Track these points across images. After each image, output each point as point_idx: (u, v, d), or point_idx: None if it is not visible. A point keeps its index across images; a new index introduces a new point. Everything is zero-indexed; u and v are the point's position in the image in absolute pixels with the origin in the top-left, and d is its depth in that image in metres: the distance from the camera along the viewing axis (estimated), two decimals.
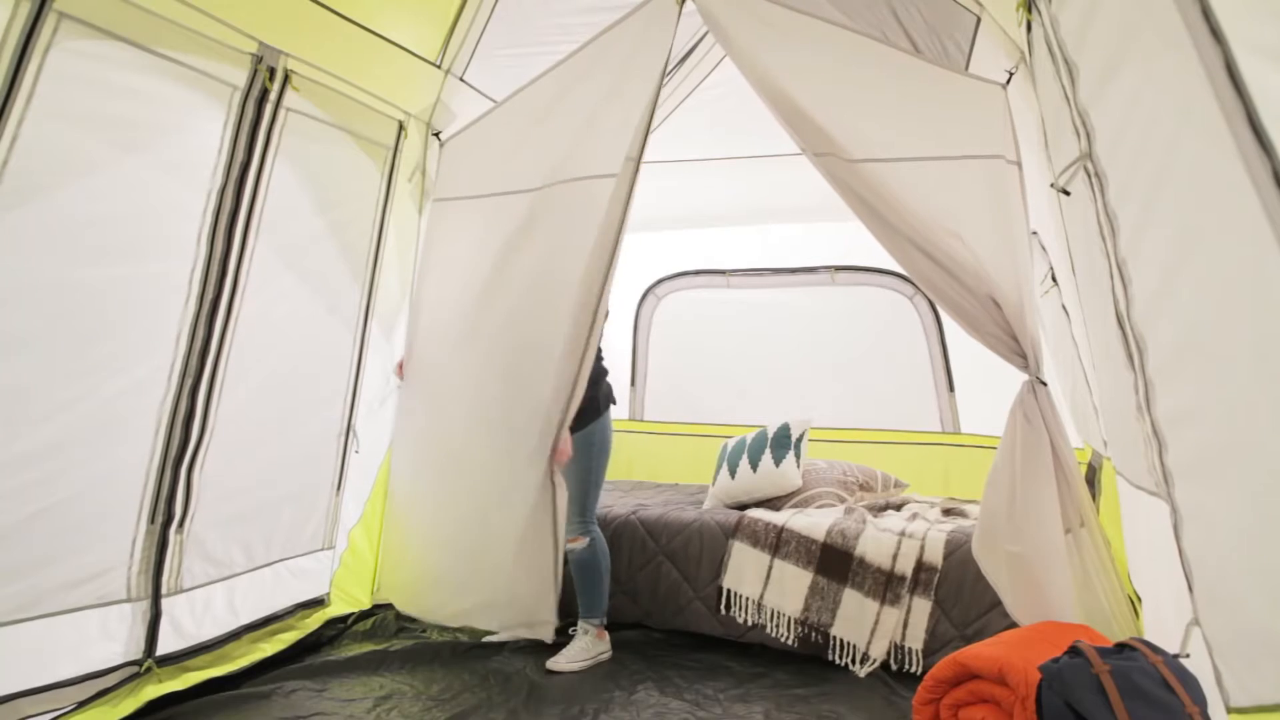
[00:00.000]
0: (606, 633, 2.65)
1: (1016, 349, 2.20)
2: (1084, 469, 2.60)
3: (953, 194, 2.28)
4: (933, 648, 2.41)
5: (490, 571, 2.61)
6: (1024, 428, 2.17)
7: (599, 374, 2.70)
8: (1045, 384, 2.18)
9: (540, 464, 2.50)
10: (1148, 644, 1.53)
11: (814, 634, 2.57)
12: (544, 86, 2.73)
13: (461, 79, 2.98)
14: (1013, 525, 2.15)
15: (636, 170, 2.46)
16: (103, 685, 2.02)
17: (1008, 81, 2.25)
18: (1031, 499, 2.14)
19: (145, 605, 2.15)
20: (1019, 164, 2.21)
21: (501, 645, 2.68)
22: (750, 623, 2.67)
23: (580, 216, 2.56)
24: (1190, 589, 1.40)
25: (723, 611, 2.71)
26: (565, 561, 2.58)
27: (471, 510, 2.68)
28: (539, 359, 2.54)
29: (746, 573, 2.71)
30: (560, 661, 2.53)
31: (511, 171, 2.79)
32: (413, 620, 2.89)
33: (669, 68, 2.52)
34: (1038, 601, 2.09)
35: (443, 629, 2.81)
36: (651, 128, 2.50)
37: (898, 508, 3.11)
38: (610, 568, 2.69)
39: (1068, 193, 1.77)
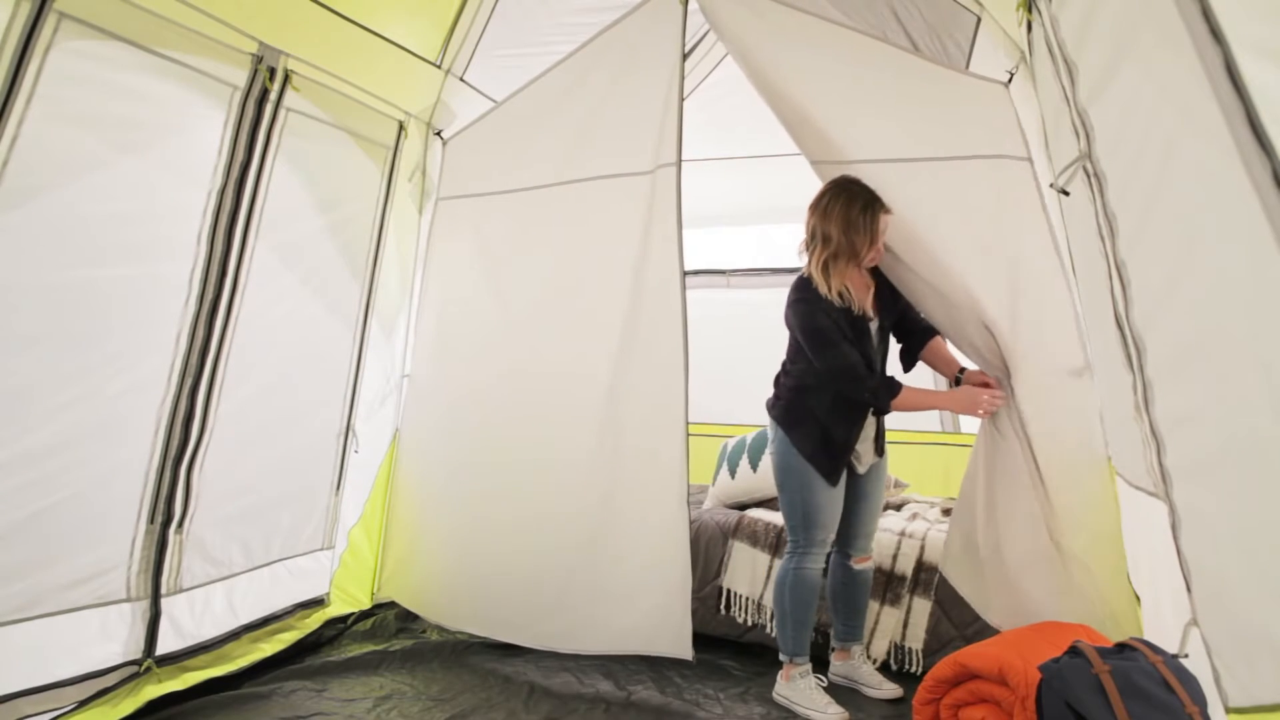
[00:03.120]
0: (795, 668, 2.25)
1: (1003, 369, 2.21)
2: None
3: (952, 195, 2.28)
4: (933, 647, 2.41)
5: (594, 586, 2.50)
6: (995, 439, 2.19)
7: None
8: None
9: (663, 461, 2.42)
10: (1148, 644, 1.53)
11: (814, 634, 2.57)
12: (549, 84, 2.74)
13: (462, 79, 2.99)
14: (992, 538, 2.19)
15: (679, 173, 2.47)
16: (102, 685, 2.02)
17: (1009, 81, 2.25)
18: (1007, 512, 2.19)
19: (145, 605, 2.15)
20: (1030, 159, 2.22)
21: (506, 646, 2.67)
22: (750, 623, 2.66)
23: (612, 212, 2.57)
24: (1189, 589, 1.40)
25: (723, 611, 2.71)
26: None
27: (545, 517, 2.59)
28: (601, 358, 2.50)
29: (746, 573, 2.70)
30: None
31: (521, 168, 2.80)
32: (413, 620, 2.89)
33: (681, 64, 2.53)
34: (1021, 613, 2.11)
35: (443, 630, 2.81)
36: (681, 128, 2.51)
37: (898, 508, 3.11)
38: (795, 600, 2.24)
39: (1067, 193, 1.77)
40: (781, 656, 2.27)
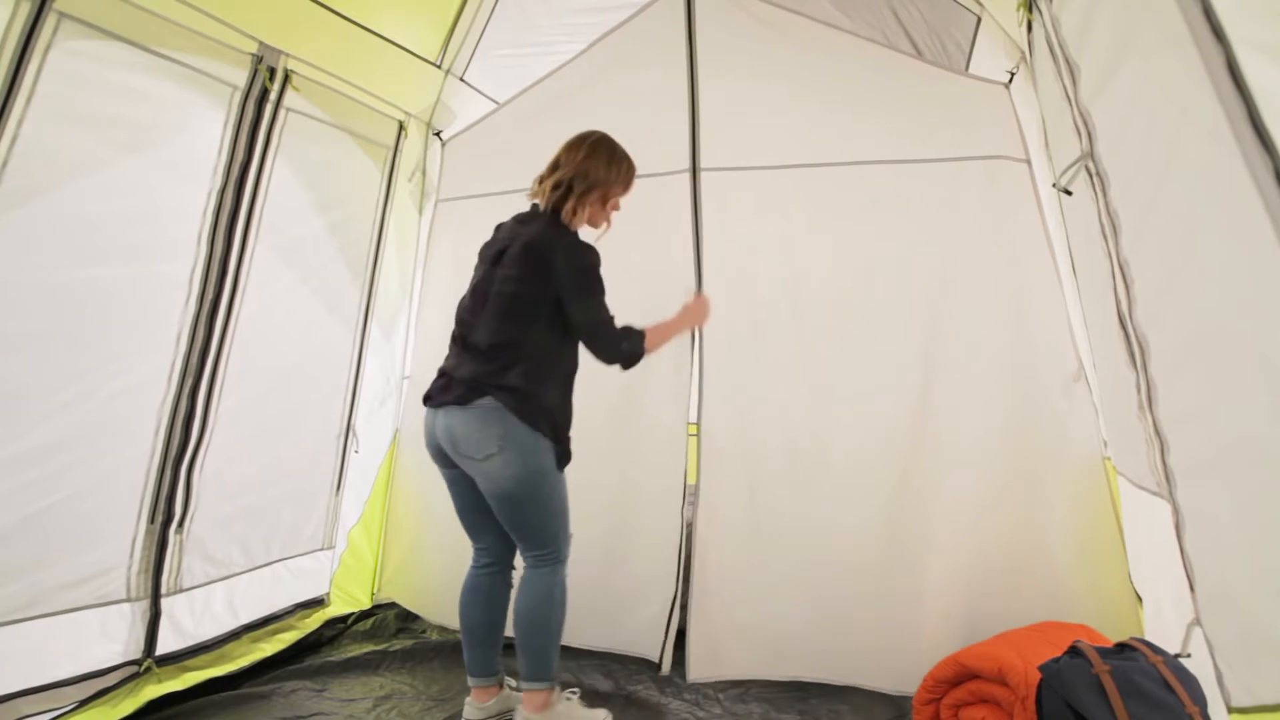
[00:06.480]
0: (554, 692, 2.01)
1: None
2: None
3: (948, 197, 2.29)
4: None
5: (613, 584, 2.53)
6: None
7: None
8: None
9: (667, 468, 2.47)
10: (1148, 644, 1.53)
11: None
12: (552, 87, 2.76)
13: (462, 79, 2.98)
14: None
15: (695, 179, 2.50)
16: (102, 685, 2.02)
17: (1009, 82, 2.26)
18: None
19: (145, 605, 2.15)
20: (1029, 161, 2.23)
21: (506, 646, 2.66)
22: None
23: (629, 212, 2.58)
24: (1192, 589, 1.40)
25: None
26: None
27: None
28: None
29: None
30: None
31: (524, 170, 2.79)
32: (413, 620, 2.89)
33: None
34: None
35: (443, 630, 2.81)
36: (698, 132, 2.54)
37: None
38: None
39: (1069, 192, 1.77)
40: (536, 685, 1.95)
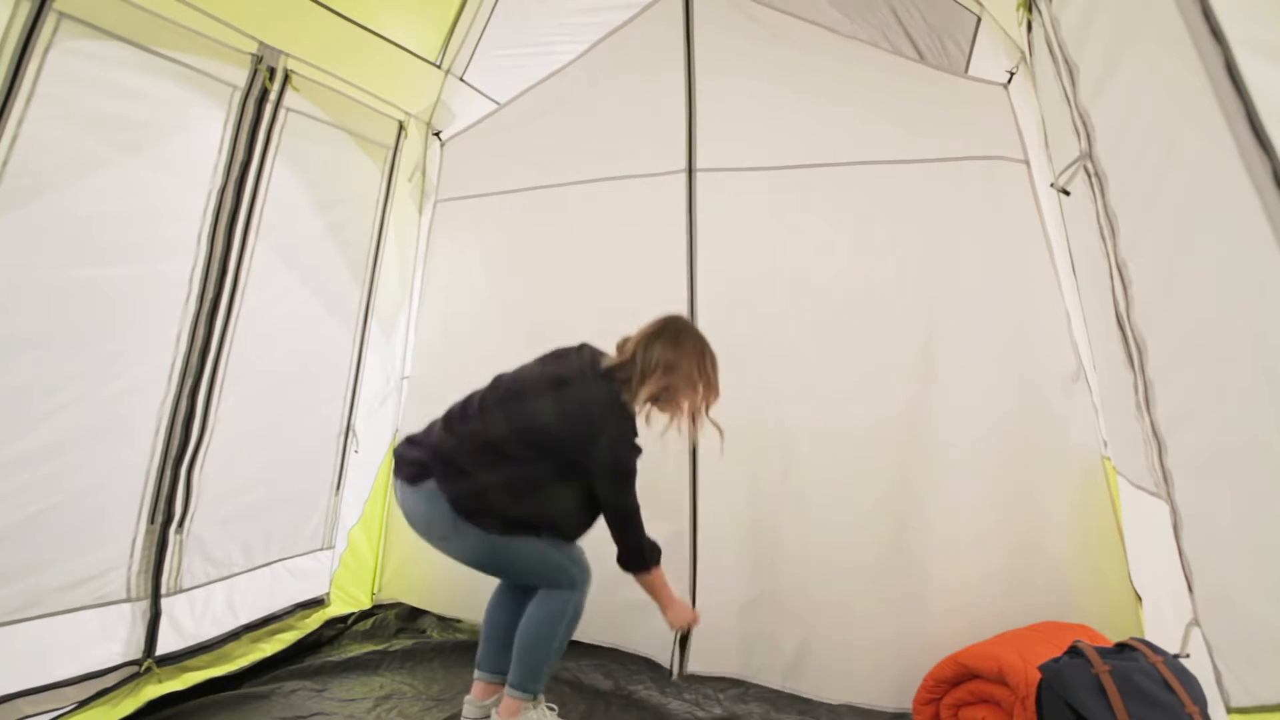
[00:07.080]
0: (534, 701, 2.00)
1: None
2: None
3: (946, 197, 2.30)
4: None
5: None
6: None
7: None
8: None
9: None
10: (1148, 644, 1.53)
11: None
12: (552, 89, 2.77)
13: (461, 79, 2.99)
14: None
15: (690, 179, 2.51)
16: (102, 685, 2.02)
17: (1008, 82, 2.26)
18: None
19: (145, 605, 2.15)
20: (1027, 162, 2.23)
21: None
22: None
23: (620, 214, 2.59)
24: (1190, 589, 1.40)
25: None
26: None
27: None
28: None
29: None
30: None
31: (524, 171, 2.82)
32: (413, 620, 2.89)
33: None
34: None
35: (443, 630, 2.81)
36: (694, 133, 2.54)
37: None
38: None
39: (1068, 193, 1.77)
40: (518, 694, 1.94)
